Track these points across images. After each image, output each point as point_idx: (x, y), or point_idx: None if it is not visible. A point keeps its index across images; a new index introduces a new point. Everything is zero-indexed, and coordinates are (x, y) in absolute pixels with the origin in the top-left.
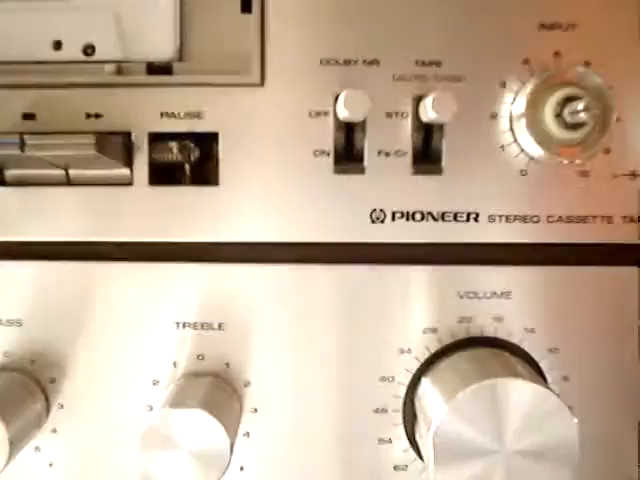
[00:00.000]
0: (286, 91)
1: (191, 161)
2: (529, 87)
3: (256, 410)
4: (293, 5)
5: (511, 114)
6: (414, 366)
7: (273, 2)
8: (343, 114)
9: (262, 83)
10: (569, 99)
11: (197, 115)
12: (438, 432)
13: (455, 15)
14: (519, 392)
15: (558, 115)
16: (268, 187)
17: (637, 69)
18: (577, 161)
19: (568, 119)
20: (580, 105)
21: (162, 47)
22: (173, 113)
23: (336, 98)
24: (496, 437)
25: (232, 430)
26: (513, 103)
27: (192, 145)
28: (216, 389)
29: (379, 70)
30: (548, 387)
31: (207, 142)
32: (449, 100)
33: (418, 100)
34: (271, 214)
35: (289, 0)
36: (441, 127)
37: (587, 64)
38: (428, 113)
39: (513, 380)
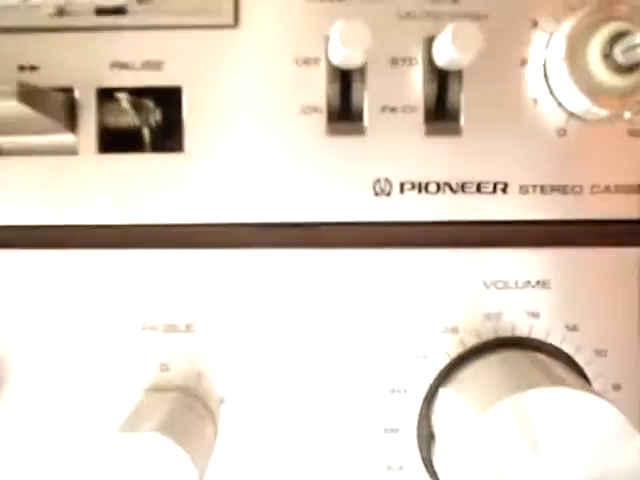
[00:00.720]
0: (265, 33)
1: (150, 123)
2: (568, 24)
3: (234, 433)
4: None
5: (545, 59)
6: (431, 375)
7: None
8: (337, 55)
9: (235, 23)
10: (620, 35)
11: (156, 66)
12: (465, 456)
13: None
14: (569, 405)
15: (607, 56)
16: (245, 154)
17: None
18: (627, 114)
19: (620, 59)
20: (637, 38)
21: None
22: (126, 63)
23: (329, 41)
24: (539, 462)
25: (202, 460)
26: (548, 45)
27: (151, 103)
28: (183, 408)
29: (381, 6)
30: (607, 400)
31: (169, 99)
32: (473, 32)
33: (430, 43)
34: (249, 188)
35: None
36: (459, 75)
37: None
38: (445, 51)
39: (561, 389)
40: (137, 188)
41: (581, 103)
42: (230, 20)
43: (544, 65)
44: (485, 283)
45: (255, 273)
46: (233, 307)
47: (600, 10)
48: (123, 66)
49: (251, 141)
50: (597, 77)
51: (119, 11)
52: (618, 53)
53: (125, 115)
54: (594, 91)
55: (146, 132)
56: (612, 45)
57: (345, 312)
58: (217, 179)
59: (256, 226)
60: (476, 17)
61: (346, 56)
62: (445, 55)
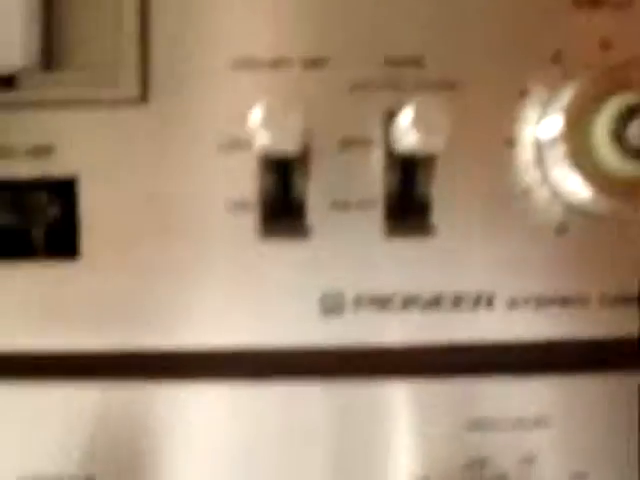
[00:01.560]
0: (180, 109)
1: (40, 223)
2: (566, 95)
3: None
4: None
5: (538, 139)
6: None
7: None
8: (263, 143)
9: (143, 97)
10: (634, 110)
11: (47, 150)
12: None
13: None
14: None
15: (617, 136)
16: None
17: None
18: None
19: (636, 141)
20: None
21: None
22: (11, 148)
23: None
24: None
25: None
26: (541, 121)
27: (41, 197)
28: None
29: (328, 73)
30: None
31: (61, 192)
32: (439, 111)
33: (390, 119)
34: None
35: None
36: (429, 160)
37: None
38: (406, 136)
39: None
40: (23, 302)
41: (584, 193)
42: (136, 93)
43: (536, 146)
44: (466, 422)
45: (174, 410)
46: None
47: (608, 77)
48: (6, 152)
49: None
50: (604, 162)
51: (6, 82)
52: (633, 134)
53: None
54: (600, 179)
55: (34, 233)
56: (624, 123)
57: (289, 456)
58: (120, 293)
59: (172, 355)
60: (450, 86)
61: (274, 143)
62: (407, 142)
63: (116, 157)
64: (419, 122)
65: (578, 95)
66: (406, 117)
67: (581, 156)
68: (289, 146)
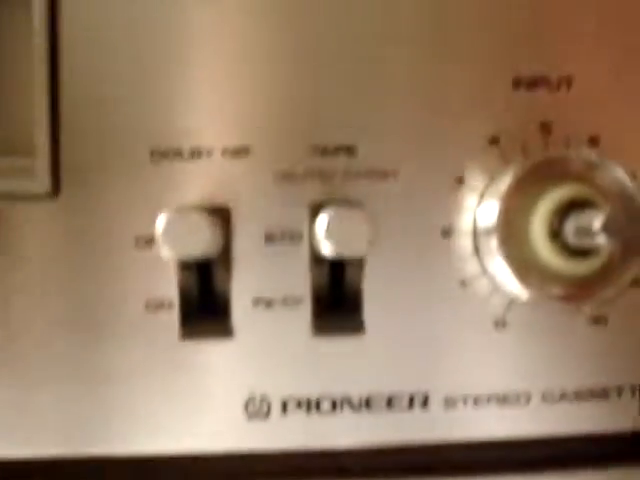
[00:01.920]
0: (94, 205)
1: None
2: (504, 182)
3: None
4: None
5: (475, 227)
6: None
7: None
8: (165, 251)
9: (54, 192)
10: (573, 205)
11: None
12: None
13: (370, 67)
14: None
15: (555, 235)
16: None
17: None
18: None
19: (573, 241)
20: (597, 221)
21: None
22: None
23: None
24: None
25: None
26: (478, 209)
27: None
28: None
29: (251, 162)
30: None
31: None
32: (356, 222)
33: (318, 211)
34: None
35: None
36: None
37: (594, 142)
38: (324, 245)
39: None
40: None
41: (518, 288)
42: (46, 187)
43: (473, 236)
44: None
45: None
46: None
47: (548, 162)
48: None
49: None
50: (542, 258)
51: None
52: (571, 233)
53: None
54: (536, 275)
55: None
56: (562, 219)
57: None
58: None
59: (101, 462)
60: (382, 174)
61: (180, 253)
62: (325, 249)
63: (21, 259)
64: (333, 234)
65: (515, 185)
66: (321, 227)
67: (516, 249)
68: (196, 253)
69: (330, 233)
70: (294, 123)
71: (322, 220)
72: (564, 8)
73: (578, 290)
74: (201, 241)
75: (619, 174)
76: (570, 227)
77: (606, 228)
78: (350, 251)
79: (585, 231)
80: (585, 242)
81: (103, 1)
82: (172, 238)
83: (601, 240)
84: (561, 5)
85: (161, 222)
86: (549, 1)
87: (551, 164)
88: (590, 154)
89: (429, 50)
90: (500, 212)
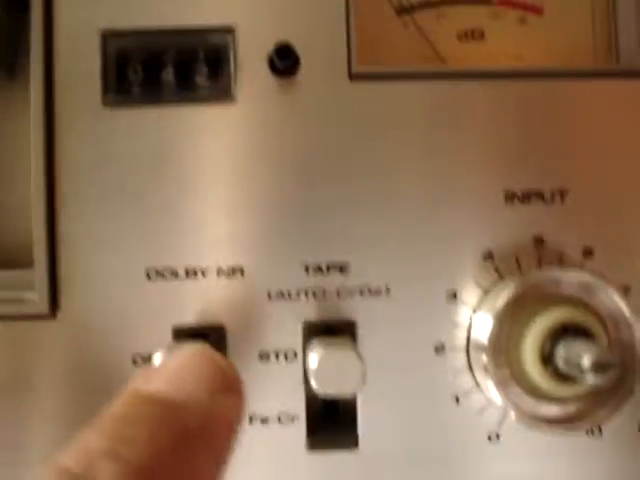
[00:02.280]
0: (90, 321)
1: None
2: (497, 298)
3: None
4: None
5: (468, 343)
6: None
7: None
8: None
9: (53, 313)
10: (566, 329)
11: None
12: None
13: (363, 185)
14: None
15: (546, 359)
16: None
17: None
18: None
19: (561, 366)
20: (586, 359)
21: None
22: None
23: None
24: None
25: None
26: (471, 325)
27: None
28: None
29: (242, 281)
30: None
31: None
32: (349, 363)
33: (311, 329)
34: None
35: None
36: None
37: (588, 254)
38: (313, 383)
39: None
40: None
41: (510, 406)
42: (45, 308)
43: (467, 351)
44: None
45: None
46: None
47: (541, 286)
48: None
49: None
50: (533, 378)
51: None
52: (560, 358)
53: None
54: (527, 393)
55: None
56: (553, 344)
57: None
58: None
59: None
60: (375, 291)
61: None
62: (317, 388)
63: (20, 380)
64: (324, 376)
65: (508, 304)
66: (311, 367)
67: (507, 367)
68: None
69: (320, 374)
70: (287, 243)
71: (312, 360)
72: (554, 123)
73: (570, 413)
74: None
75: (614, 297)
76: (561, 354)
77: (595, 368)
78: (341, 391)
79: (575, 365)
80: (575, 374)
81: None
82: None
83: (590, 379)
84: (551, 120)
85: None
86: (539, 118)
87: (545, 284)
88: (584, 275)
89: (422, 167)
90: (493, 329)
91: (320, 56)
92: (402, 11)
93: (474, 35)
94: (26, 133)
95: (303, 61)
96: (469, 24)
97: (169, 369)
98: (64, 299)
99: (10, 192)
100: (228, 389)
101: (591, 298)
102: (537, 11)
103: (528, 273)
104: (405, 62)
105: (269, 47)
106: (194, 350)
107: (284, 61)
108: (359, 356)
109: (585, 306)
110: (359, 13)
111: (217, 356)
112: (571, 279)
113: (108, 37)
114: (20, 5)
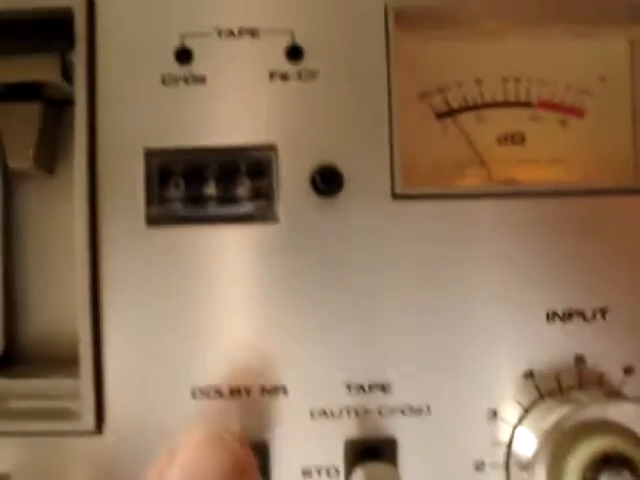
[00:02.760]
0: (139, 439)
1: None
2: (539, 419)
3: None
4: None
5: (508, 459)
6: None
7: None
8: None
9: (99, 429)
10: (607, 459)
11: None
12: None
13: (403, 305)
14: None
15: None
16: None
17: None
18: None
19: None
20: None
21: None
22: None
23: None
24: None
25: None
26: (512, 441)
27: None
28: None
29: (284, 400)
30: None
31: None
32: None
33: (353, 447)
34: None
35: None
36: None
37: (628, 372)
38: None
39: None
40: None
41: None
42: (91, 425)
43: (506, 467)
44: None
45: None
46: None
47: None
48: None
49: None
50: None
51: None
52: None
53: None
54: None
55: None
56: (595, 474)
57: None
58: None
59: None
60: (416, 410)
61: None
62: None
63: None
64: None
65: (553, 428)
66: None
67: None
68: None
69: None
70: (329, 362)
71: (357, 477)
72: (595, 240)
73: None
74: None
75: None
76: None
77: None
78: None
79: None
80: None
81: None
82: None
83: None
84: (592, 237)
85: None
86: (580, 235)
87: (591, 411)
88: (631, 406)
89: (463, 285)
90: (536, 452)
91: (363, 177)
92: (442, 115)
93: (514, 139)
94: (66, 225)
95: (346, 181)
96: (509, 127)
97: (186, 455)
98: (109, 413)
99: (52, 284)
100: (242, 472)
101: (637, 428)
102: (578, 114)
103: (573, 398)
104: (445, 166)
105: (312, 166)
106: (208, 434)
107: (328, 184)
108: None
109: (630, 435)
110: (400, 118)
111: (229, 438)
112: (617, 408)
113: (151, 155)
114: (58, 106)
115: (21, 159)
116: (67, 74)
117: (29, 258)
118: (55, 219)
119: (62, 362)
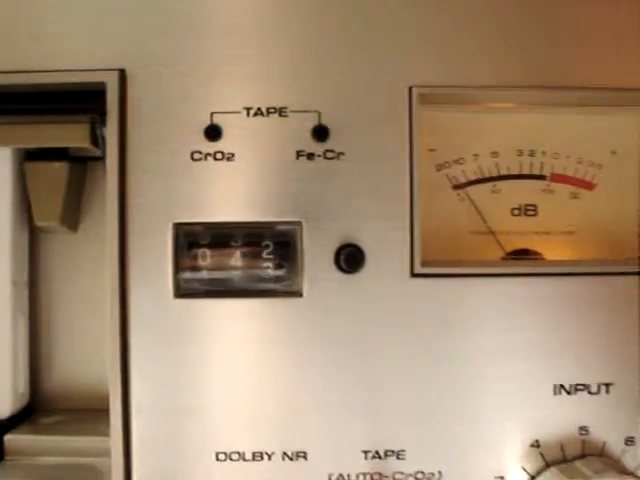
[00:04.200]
0: None
1: None
2: None
3: None
4: None
5: None
6: None
7: None
8: None
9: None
10: None
11: None
12: None
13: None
14: None
15: None
16: None
17: None
18: None
19: None
20: None
21: None
22: None
23: None
24: None
25: None
26: None
27: None
28: None
29: (305, 464)
30: None
31: None
32: None
33: None
34: None
35: None
36: None
37: (630, 442)
38: None
39: None
40: None
41: None
42: None
43: None
44: None
45: None
46: None
47: None
48: None
49: None
50: None
51: None
52: None
53: None
54: None
55: None
56: None
57: None
58: None
59: None
60: (428, 476)
61: None
62: None
63: None
64: None
65: None
66: None
67: None
68: None
69: None
70: (347, 430)
71: None
72: (599, 318)
73: None
74: None
75: None
76: None
77: None
78: None
79: None
80: None
81: (177, 327)
82: None
83: None
84: (597, 314)
85: None
86: (588, 312)
87: None
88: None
89: (473, 357)
90: None
91: (384, 256)
92: (458, 186)
93: (527, 211)
94: (88, 280)
95: (367, 259)
96: (523, 199)
97: None
98: (136, 471)
99: (81, 330)
100: None
101: None
102: (589, 187)
103: (576, 470)
104: (460, 233)
105: (335, 243)
106: None
107: (351, 264)
108: None
109: None
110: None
111: None
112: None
113: (180, 228)
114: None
115: (48, 218)
116: (95, 140)
117: (53, 312)
118: (78, 274)
119: (83, 414)
